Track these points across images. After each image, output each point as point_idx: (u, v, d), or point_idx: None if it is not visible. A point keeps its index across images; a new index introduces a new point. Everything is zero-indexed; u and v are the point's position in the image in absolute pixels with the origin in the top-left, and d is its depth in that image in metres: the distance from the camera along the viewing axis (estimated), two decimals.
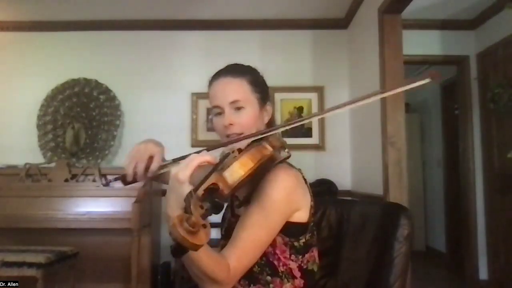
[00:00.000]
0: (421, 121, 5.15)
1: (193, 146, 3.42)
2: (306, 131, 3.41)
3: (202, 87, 3.80)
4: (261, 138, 0.92)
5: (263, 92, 1.08)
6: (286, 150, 0.91)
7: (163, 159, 1.02)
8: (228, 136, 1.01)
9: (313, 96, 3.44)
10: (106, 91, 3.40)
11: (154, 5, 3.20)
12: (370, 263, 1.10)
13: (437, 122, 4.72)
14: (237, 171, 0.78)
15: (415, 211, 4.47)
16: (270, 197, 0.92)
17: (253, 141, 1.00)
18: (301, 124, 3.72)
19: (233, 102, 1.02)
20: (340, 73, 3.48)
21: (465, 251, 3.63)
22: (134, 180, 1.00)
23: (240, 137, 0.97)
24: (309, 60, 3.50)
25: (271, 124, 1.11)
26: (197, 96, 3.45)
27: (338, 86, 3.47)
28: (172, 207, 0.79)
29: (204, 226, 0.62)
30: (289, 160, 0.97)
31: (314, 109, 3.44)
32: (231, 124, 1.01)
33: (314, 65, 3.49)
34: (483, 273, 3.46)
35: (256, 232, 0.91)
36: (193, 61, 3.51)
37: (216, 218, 0.86)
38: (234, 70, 1.08)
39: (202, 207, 0.65)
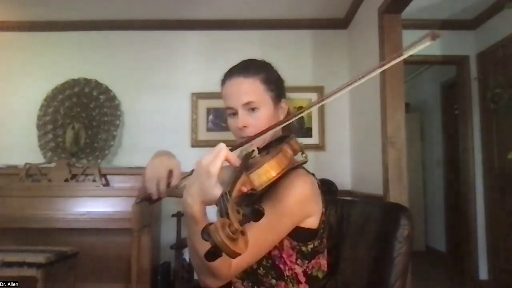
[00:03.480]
0: (421, 121, 5.15)
1: (193, 146, 3.42)
2: (306, 131, 3.41)
3: (202, 87, 3.82)
4: (282, 140, 0.91)
5: (277, 89, 1.06)
6: (304, 155, 0.89)
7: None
8: (242, 138, 1.00)
9: (313, 96, 3.44)
10: (106, 91, 3.40)
11: (154, 5, 3.20)
12: (370, 263, 1.10)
13: (437, 122, 4.72)
14: (265, 175, 0.76)
15: (415, 211, 4.47)
16: (284, 203, 0.90)
17: (273, 141, 1.00)
18: (301, 124, 3.68)
19: (246, 104, 1.00)
20: (340, 73, 3.48)
21: (465, 251, 3.63)
22: (159, 198, 0.97)
23: (257, 135, 0.94)
24: (309, 60, 3.50)
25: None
26: (197, 96, 3.45)
27: (338, 86, 3.44)
28: (194, 196, 0.76)
29: (243, 233, 0.60)
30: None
31: (315, 109, 3.43)
32: (245, 127, 1.00)
33: (314, 65, 3.49)
34: (483, 273, 3.46)
35: (264, 234, 0.89)
36: (193, 61, 3.51)
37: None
38: (247, 68, 1.04)
39: (238, 212, 0.62)
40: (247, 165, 0.78)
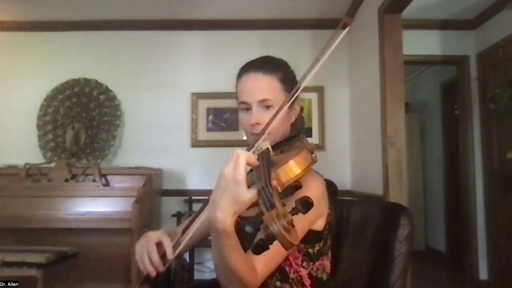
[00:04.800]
0: (421, 121, 5.15)
1: (193, 146, 3.42)
2: (306, 131, 3.41)
3: (202, 87, 3.82)
4: (292, 140, 0.90)
5: (293, 89, 1.04)
6: (314, 155, 0.87)
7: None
8: (253, 134, 0.99)
9: (313, 96, 3.44)
10: (106, 91, 3.40)
11: (154, 5, 3.20)
12: (370, 263, 1.10)
13: (437, 122, 4.72)
14: (291, 171, 0.76)
15: (415, 211, 4.47)
16: None
17: (283, 141, 0.99)
18: (301, 124, 3.68)
19: (262, 101, 0.99)
20: (340, 73, 3.47)
21: (465, 251, 3.63)
22: (159, 273, 0.92)
23: (266, 125, 0.92)
24: (309, 60, 3.48)
25: (297, 123, 1.08)
26: (197, 96, 3.45)
27: (338, 86, 3.47)
28: (225, 209, 0.71)
29: (293, 225, 0.58)
30: None
31: (314, 109, 3.44)
32: (257, 123, 0.99)
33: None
34: (483, 273, 3.46)
35: None
36: (193, 61, 3.51)
37: None
38: (266, 65, 1.03)
39: (284, 205, 0.61)
40: (269, 161, 0.76)
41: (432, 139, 4.92)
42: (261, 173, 0.69)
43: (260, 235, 0.58)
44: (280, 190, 0.68)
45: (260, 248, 0.58)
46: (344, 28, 0.88)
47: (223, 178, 0.72)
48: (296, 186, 0.68)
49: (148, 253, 0.90)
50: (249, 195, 0.70)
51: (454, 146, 4.03)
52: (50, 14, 3.38)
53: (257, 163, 0.74)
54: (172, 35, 3.52)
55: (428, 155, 5.06)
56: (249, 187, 0.71)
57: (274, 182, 0.67)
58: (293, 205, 0.61)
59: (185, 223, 1.07)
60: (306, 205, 0.61)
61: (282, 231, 0.55)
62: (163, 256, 0.90)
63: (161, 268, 0.90)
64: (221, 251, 0.76)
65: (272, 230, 0.55)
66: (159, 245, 0.91)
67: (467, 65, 3.59)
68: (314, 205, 0.88)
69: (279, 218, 0.56)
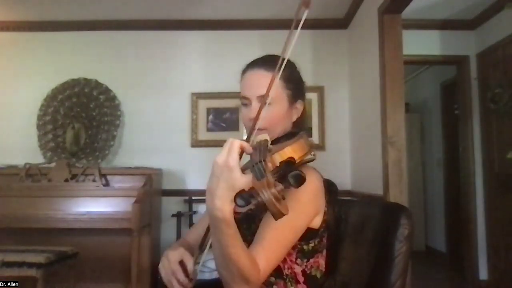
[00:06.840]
0: (421, 121, 5.15)
1: (193, 146, 3.42)
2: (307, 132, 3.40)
3: (202, 87, 3.82)
4: (293, 136, 0.91)
5: (295, 89, 1.06)
6: (313, 153, 0.88)
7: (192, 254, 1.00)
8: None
9: (313, 96, 3.44)
10: (106, 91, 3.40)
11: (154, 5, 3.20)
12: (370, 263, 1.10)
13: (437, 122, 4.72)
14: (287, 155, 0.76)
15: (415, 211, 4.46)
16: (299, 199, 0.91)
17: (283, 137, 1.00)
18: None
19: (261, 96, 1.00)
20: (340, 73, 3.48)
21: (465, 251, 3.63)
22: None
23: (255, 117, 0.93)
24: (309, 60, 3.49)
25: (299, 122, 1.09)
26: (197, 96, 3.45)
27: (338, 86, 3.47)
28: (222, 197, 0.71)
29: (283, 198, 0.59)
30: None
31: (314, 109, 3.43)
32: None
33: (314, 65, 3.49)
34: (483, 273, 3.46)
35: (284, 233, 0.88)
36: (193, 61, 3.51)
37: None
38: (269, 63, 1.04)
39: (276, 179, 0.61)
40: (266, 148, 0.76)
41: (432, 139, 4.92)
42: (256, 155, 0.69)
43: (250, 206, 0.59)
44: (272, 168, 0.68)
45: (250, 218, 0.59)
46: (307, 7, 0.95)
47: (216, 165, 0.72)
48: (289, 161, 0.68)
49: (174, 275, 0.93)
50: (244, 179, 0.69)
51: (454, 146, 4.04)
52: (50, 14, 3.38)
53: (251, 150, 0.75)
54: (172, 35, 3.52)
55: (428, 155, 5.06)
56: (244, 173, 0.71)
57: (268, 162, 0.68)
58: (288, 178, 0.62)
59: (193, 231, 1.14)
60: (298, 178, 0.62)
61: (272, 198, 0.56)
62: (186, 273, 0.94)
63: (189, 286, 0.93)
64: (221, 241, 0.76)
65: (262, 197, 0.56)
66: (181, 263, 0.95)
67: (467, 65, 3.59)
68: (311, 197, 0.87)
69: (269, 186, 0.57)
